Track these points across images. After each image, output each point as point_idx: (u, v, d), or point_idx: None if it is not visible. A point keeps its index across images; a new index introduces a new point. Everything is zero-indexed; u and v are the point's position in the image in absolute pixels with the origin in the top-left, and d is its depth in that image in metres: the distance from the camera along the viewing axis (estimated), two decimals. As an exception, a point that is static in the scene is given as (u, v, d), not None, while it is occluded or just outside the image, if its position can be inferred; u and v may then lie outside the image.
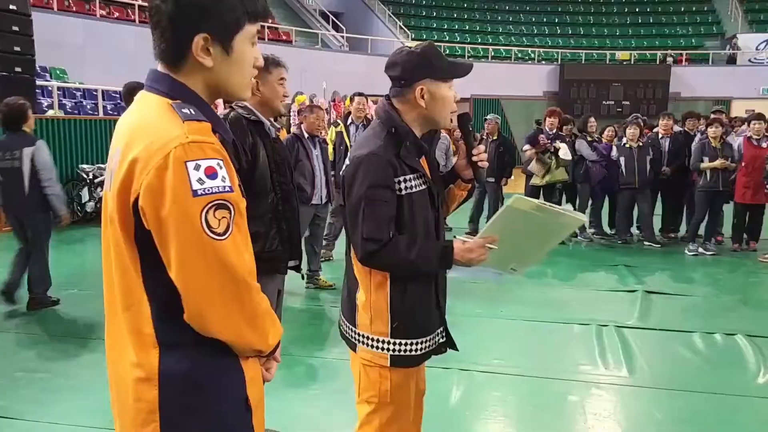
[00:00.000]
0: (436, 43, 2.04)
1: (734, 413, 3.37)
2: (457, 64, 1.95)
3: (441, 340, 2.05)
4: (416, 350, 1.95)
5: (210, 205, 1.15)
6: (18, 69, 8.50)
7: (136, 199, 1.16)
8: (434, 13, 25.49)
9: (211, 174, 1.15)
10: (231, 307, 1.21)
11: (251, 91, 2.62)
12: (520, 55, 23.64)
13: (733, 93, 21.35)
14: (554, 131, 7.69)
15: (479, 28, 25.31)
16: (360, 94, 6.91)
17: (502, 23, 25.85)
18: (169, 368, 1.22)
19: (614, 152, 7.60)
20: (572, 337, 4.48)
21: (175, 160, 1.13)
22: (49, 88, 11.13)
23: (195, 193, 1.13)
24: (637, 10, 26.47)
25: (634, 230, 8.08)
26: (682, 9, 26.41)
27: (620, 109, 21.11)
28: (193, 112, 1.21)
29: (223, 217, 1.17)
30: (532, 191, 7.49)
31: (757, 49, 22.58)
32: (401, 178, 1.85)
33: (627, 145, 7.51)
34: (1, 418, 3.16)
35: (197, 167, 1.14)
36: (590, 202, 8.05)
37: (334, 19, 22.73)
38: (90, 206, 9.06)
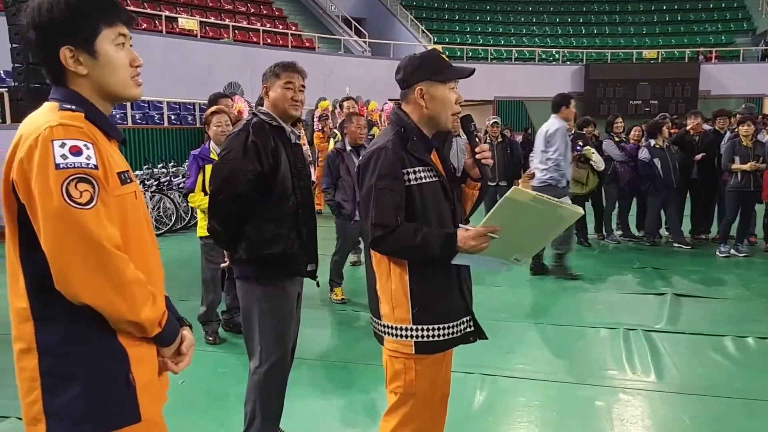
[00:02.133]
0: (458, 46, 2.17)
1: (767, 419, 3.27)
2: (454, 67, 2.07)
3: (469, 330, 2.11)
4: (440, 336, 2.02)
5: (71, 177, 1.27)
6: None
7: (15, 183, 1.29)
8: (456, 16, 25.41)
9: (76, 152, 1.28)
10: (95, 272, 1.29)
11: (264, 95, 2.66)
12: (544, 56, 23.43)
13: (765, 90, 20.87)
14: (573, 132, 7.58)
15: (502, 30, 25.16)
16: (349, 98, 6.88)
17: (526, 24, 25.66)
18: (45, 339, 1.32)
19: (645, 154, 7.43)
20: (599, 341, 4.40)
21: (43, 139, 1.27)
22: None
23: (57, 166, 1.26)
24: (664, 7, 26.04)
25: (662, 231, 7.92)
26: (711, 5, 25.91)
27: (648, 109, 20.79)
28: (72, 107, 1.36)
29: (86, 190, 1.28)
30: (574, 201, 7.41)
31: (789, 44, 22.05)
32: (410, 170, 1.98)
33: (657, 146, 7.36)
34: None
35: (62, 145, 1.27)
36: (617, 203, 7.93)
37: (356, 24, 22.83)
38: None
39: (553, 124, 5.95)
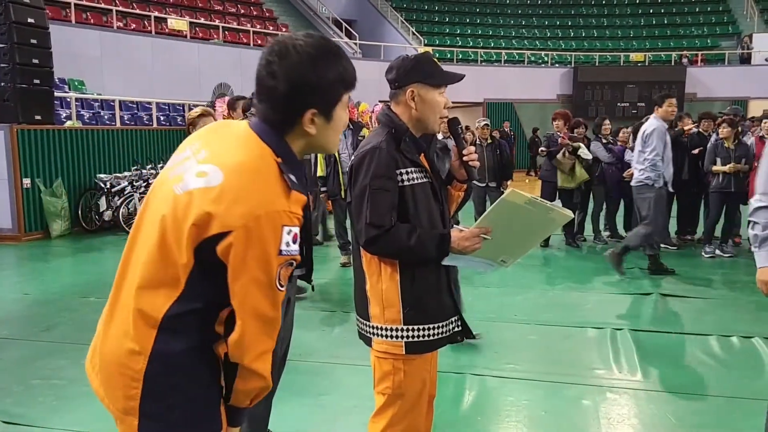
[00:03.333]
0: (448, 48, 2.19)
1: (752, 417, 3.31)
2: (447, 72, 2.09)
3: (456, 329, 2.13)
4: (430, 336, 2.03)
5: (285, 263, 1.37)
6: (36, 81, 8.65)
7: (224, 233, 1.31)
8: (446, 19, 25.50)
9: (295, 240, 1.37)
10: (264, 340, 1.41)
11: None
12: (533, 58, 23.56)
13: (749, 93, 21.10)
14: (562, 133, 7.66)
15: (492, 33, 25.28)
16: None
17: (515, 27, 25.80)
18: (161, 348, 1.36)
19: (628, 155, 7.53)
20: (586, 341, 4.45)
21: (276, 222, 1.33)
22: (68, 100, 11.32)
23: (281, 252, 1.34)
24: (650, 11, 26.29)
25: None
26: (697, 9, 26.19)
27: (635, 111, 20.95)
28: (295, 180, 1.39)
29: (287, 273, 1.39)
30: (555, 194, 7.48)
31: (774, 48, 22.32)
32: (403, 170, 1.99)
33: (640, 147, 7.44)
34: (17, 425, 3.21)
35: (289, 232, 1.35)
36: (605, 204, 8.01)
37: (347, 26, 22.85)
38: (108, 215, 9.18)
39: (651, 124, 6.06)
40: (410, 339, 2.01)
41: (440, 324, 2.06)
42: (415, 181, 2.01)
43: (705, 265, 6.81)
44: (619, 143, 8.00)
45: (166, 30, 16.40)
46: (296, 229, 1.36)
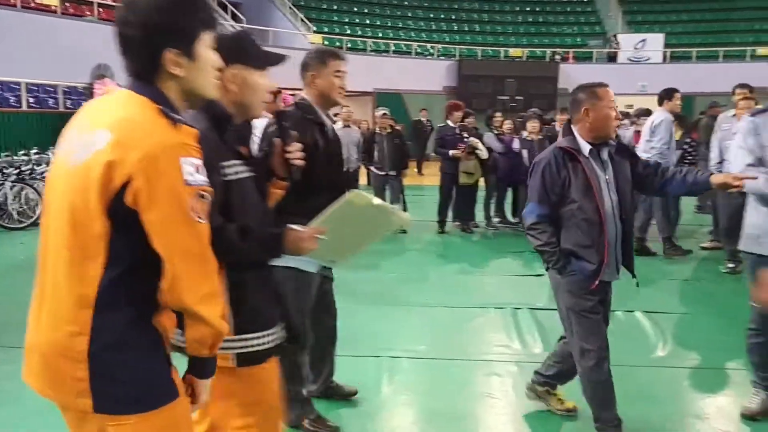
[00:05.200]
0: (337, 37, 2.12)
1: (640, 383, 3.70)
2: (269, 52, 1.95)
3: (282, 337, 1.99)
4: (261, 344, 1.89)
5: (196, 193, 1.39)
6: None
7: (127, 182, 1.32)
8: (335, 6, 25.44)
9: (198, 170, 1.40)
10: (205, 281, 1.43)
11: (308, 83, 2.74)
12: (419, 50, 24.13)
13: (614, 89, 22.47)
14: (458, 124, 7.97)
15: (380, 23, 25.57)
16: None
17: (402, 18, 26.26)
18: (100, 324, 1.37)
19: (516, 144, 7.99)
20: (491, 320, 4.72)
21: (171, 155, 1.36)
22: None
23: (187, 182, 1.36)
24: (527, 8, 27.79)
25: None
26: (568, 9, 28.04)
27: (514, 104, 22.07)
28: (181, 118, 1.43)
29: (203, 206, 1.41)
30: (454, 184, 7.76)
31: (635, 48, 24.40)
32: (228, 163, 1.81)
33: (529, 138, 7.93)
34: None
35: (189, 163, 1.37)
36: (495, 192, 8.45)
37: (233, 9, 22.13)
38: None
39: (659, 115, 6.42)
40: (241, 350, 1.84)
41: (270, 332, 1.91)
42: (240, 176, 1.83)
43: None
44: (506, 134, 8.44)
45: (33, 4, 15.02)
46: (197, 161, 1.39)
